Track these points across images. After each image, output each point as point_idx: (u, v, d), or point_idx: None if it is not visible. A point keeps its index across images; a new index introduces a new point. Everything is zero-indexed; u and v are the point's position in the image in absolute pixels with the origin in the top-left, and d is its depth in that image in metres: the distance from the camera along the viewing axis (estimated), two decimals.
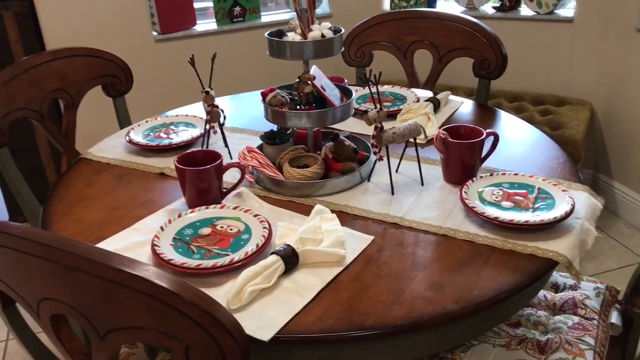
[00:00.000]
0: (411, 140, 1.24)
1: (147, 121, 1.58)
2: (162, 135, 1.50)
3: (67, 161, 1.68)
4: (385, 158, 1.20)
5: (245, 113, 1.68)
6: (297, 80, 1.21)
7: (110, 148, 1.49)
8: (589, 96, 2.60)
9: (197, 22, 2.73)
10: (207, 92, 1.30)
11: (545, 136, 1.47)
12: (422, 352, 0.95)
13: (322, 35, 1.17)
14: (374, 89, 1.23)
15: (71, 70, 1.67)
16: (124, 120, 1.82)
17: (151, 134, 1.51)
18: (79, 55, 1.69)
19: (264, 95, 1.27)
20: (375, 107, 1.16)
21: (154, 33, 2.62)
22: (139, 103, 2.24)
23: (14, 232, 0.74)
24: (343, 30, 1.21)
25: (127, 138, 1.47)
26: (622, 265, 2.29)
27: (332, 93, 1.25)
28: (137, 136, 1.49)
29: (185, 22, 2.69)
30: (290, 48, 1.18)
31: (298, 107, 1.24)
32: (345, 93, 1.30)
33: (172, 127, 1.55)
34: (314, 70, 1.23)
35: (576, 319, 1.21)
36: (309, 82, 1.18)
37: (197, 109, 1.71)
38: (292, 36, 1.17)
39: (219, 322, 0.68)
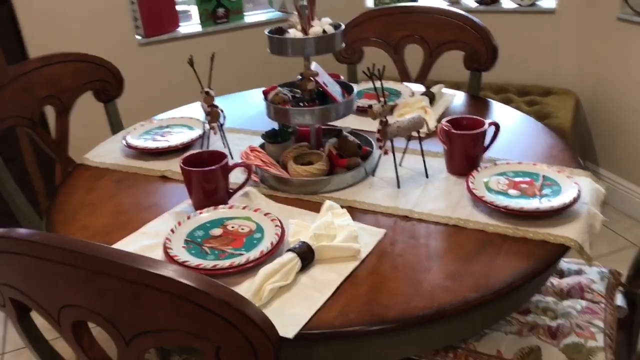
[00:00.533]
0: (414, 133, 1.25)
1: (142, 124, 1.57)
2: (160, 138, 1.49)
3: (61, 169, 1.65)
4: (390, 152, 1.20)
5: (239, 113, 1.67)
6: (300, 77, 1.21)
7: (107, 153, 1.47)
8: (573, 85, 2.63)
9: (179, 24, 2.71)
10: (207, 93, 1.29)
11: (540, 125, 1.49)
12: (442, 341, 0.96)
13: (324, 31, 1.16)
14: (377, 84, 1.23)
15: (62, 76, 1.64)
16: (115, 125, 1.80)
17: (148, 137, 1.49)
18: (69, 60, 1.66)
19: (265, 93, 1.27)
20: (379, 101, 1.16)
21: (138, 37, 2.59)
22: (127, 108, 2.21)
23: (34, 239, 0.73)
24: (343, 26, 1.21)
25: (125, 142, 1.46)
26: (613, 250, 2.33)
27: (334, 89, 1.25)
28: (134, 140, 1.48)
29: (169, 25, 2.67)
30: (292, 45, 1.17)
31: (301, 104, 1.23)
32: (346, 89, 1.30)
33: (169, 129, 1.54)
34: (314, 67, 1.23)
35: (584, 303, 1.23)
36: (312, 78, 1.17)
37: (192, 110, 1.69)
38: (294, 33, 1.17)
39: (251, 319, 0.67)
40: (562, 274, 1.35)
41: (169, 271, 0.68)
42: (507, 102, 2.58)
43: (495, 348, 1.14)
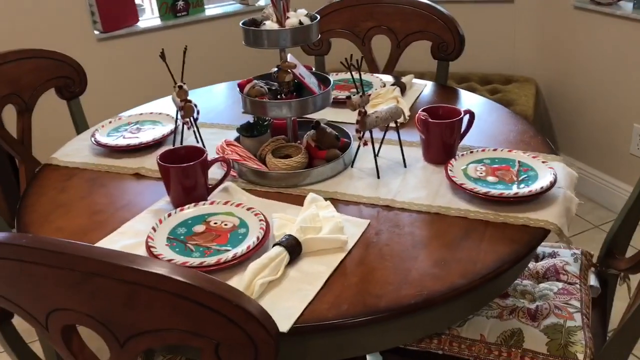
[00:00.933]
0: (392, 124, 1.25)
1: (110, 122, 1.52)
2: (130, 135, 1.45)
3: (26, 169, 1.59)
4: (369, 143, 1.21)
5: (208, 108, 1.64)
6: (277, 69, 1.20)
7: (75, 152, 1.42)
8: (533, 73, 2.70)
9: (139, 18, 2.65)
10: (180, 87, 1.26)
11: (510, 112, 1.52)
12: (432, 328, 0.97)
13: (300, 23, 1.15)
14: (355, 74, 1.23)
15: (21, 74, 1.58)
16: (80, 124, 1.75)
17: (118, 134, 1.45)
18: (27, 57, 1.60)
19: (240, 86, 1.25)
20: (357, 92, 1.16)
21: (96, 32, 2.52)
22: (87, 105, 2.15)
23: (20, 242, 0.70)
24: (319, 17, 1.20)
25: (94, 140, 1.41)
26: (576, 233, 2.41)
27: (311, 81, 1.24)
28: (104, 138, 1.44)
29: (127, 19, 2.60)
30: (267, 37, 1.16)
31: (278, 97, 1.22)
32: (322, 81, 1.29)
33: (138, 125, 1.50)
34: (290, 59, 1.22)
35: (560, 284, 1.26)
36: (290, 70, 1.16)
37: (161, 106, 1.66)
38: (270, 25, 1.16)
39: (252, 315, 0.66)
40: (537, 258, 1.38)
41: (166, 269, 0.66)
42: (470, 91, 2.60)
43: (478, 332, 1.16)
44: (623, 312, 1.10)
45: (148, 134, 1.44)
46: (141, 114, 1.56)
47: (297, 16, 1.17)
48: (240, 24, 1.19)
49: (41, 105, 1.70)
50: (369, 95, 1.55)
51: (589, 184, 2.60)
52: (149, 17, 2.73)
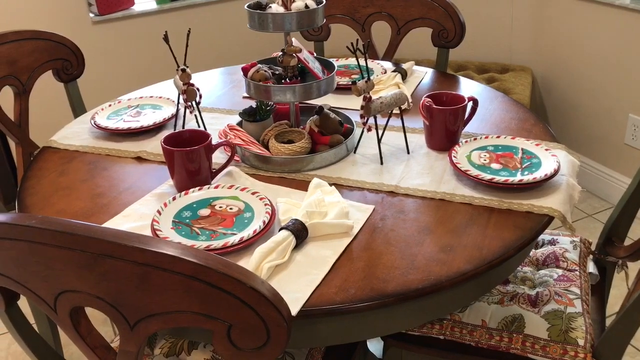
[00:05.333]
0: (395, 110, 1.25)
1: (110, 105, 1.51)
2: (130, 118, 1.44)
3: (23, 152, 1.58)
4: (373, 129, 1.20)
5: (207, 93, 1.63)
6: (282, 53, 1.19)
7: (74, 135, 1.41)
8: (529, 62, 2.70)
9: (134, 1, 2.62)
10: (183, 70, 1.25)
11: (511, 99, 1.52)
12: (436, 313, 0.98)
13: (306, 6, 1.15)
14: (362, 60, 1.22)
15: (20, 55, 1.56)
16: (77, 107, 1.73)
17: (118, 118, 1.44)
18: (26, 38, 1.58)
19: (244, 70, 1.24)
20: (363, 77, 1.16)
21: (91, 15, 2.49)
22: (84, 88, 2.13)
23: (29, 223, 0.70)
24: (325, 1, 1.19)
25: (93, 123, 1.40)
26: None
27: (315, 66, 1.23)
28: (103, 121, 1.42)
29: (123, 2, 2.57)
30: (273, 20, 1.15)
31: (282, 81, 1.21)
32: (326, 66, 1.29)
33: (139, 109, 1.49)
34: (295, 43, 1.21)
35: (560, 271, 1.27)
36: (295, 55, 1.16)
37: (161, 89, 1.64)
38: (276, 8, 1.15)
39: (265, 297, 0.66)
40: (536, 245, 1.39)
41: (179, 251, 0.66)
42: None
43: (479, 318, 1.17)
44: (617, 299, 1.11)
45: (149, 118, 1.43)
46: (141, 97, 1.55)
47: (303, 0, 1.16)
48: (245, 7, 1.18)
49: (36, 88, 1.68)
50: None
51: (583, 173, 2.62)
52: (145, 0, 2.70)
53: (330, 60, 1.31)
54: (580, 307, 1.18)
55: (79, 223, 0.68)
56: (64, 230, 0.68)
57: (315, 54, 1.55)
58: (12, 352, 1.89)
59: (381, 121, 1.35)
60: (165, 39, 1.23)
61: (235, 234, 0.97)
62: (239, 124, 1.33)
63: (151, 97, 1.54)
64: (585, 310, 1.18)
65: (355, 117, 1.34)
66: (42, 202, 1.14)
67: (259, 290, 0.66)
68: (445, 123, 1.23)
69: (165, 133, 1.23)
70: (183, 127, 1.39)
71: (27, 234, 0.70)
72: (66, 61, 1.67)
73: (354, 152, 1.26)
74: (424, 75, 1.69)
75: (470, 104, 1.27)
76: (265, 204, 1.04)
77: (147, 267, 0.66)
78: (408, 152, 1.26)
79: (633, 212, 1.31)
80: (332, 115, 1.25)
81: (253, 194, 1.07)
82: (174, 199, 1.06)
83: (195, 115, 1.38)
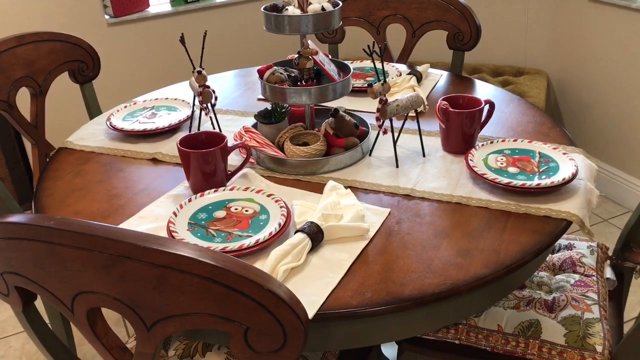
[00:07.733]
0: (411, 113, 1.24)
1: (125, 106, 1.52)
2: (145, 120, 1.44)
3: (39, 153, 1.59)
4: (389, 131, 1.20)
5: (222, 95, 1.63)
6: (298, 55, 1.19)
7: (90, 136, 1.42)
8: (543, 66, 2.68)
9: (149, 4, 2.63)
10: (199, 72, 1.25)
11: (527, 103, 1.51)
12: (453, 318, 0.97)
13: (322, 9, 1.14)
14: (378, 62, 1.22)
15: (37, 57, 1.57)
16: (93, 108, 1.74)
17: (133, 119, 1.45)
18: (44, 40, 1.59)
19: (260, 72, 1.24)
20: (379, 80, 1.15)
21: (107, 16, 2.50)
22: (100, 90, 2.14)
23: (48, 224, 0.70)
24: (341, 4, 1.19)
25: (109, 124, 1.41)
26: None
27: (330, 68, 1.23)
28: (119, 122, 1.43)
29: (138, 4, 2.58)
30: (289, 22, 1.15)
31: (298, 83, 1.21)
32: (342, 68, 1.28)
33: (154, 111, 1.49)
34: (311, 45, 1.21)
35: (577, 276, 1.26)
36: (311, 57, 1.15)
37: (176, 91, 1.65)
38: (292, 10, 1.14)
39: (283, 300, 0.66)
40: (553, 250, 1.38)
41: (197, 253, 0.66)
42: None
43: (495, 323, 1.16)
44: (635, 305, 1.09)
45: (164, 119, 1.43)
46: (156, 99, 1.55)
47: (319, 2, 1.15)
48: (262, 9, 1.18)
49: (52, 89, 1.69)
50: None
51: (599, 178, 2.60)
52: (160, 2, 2.71)
53: (346, 62, 1.31)
54: (597, 313, 1.16)
55: (97, 224, 0.68)
56: (83, 232, 0.68)
57: (330, 57, 1.55)
58: (27, 352, 1.90)
59: (397, 124, 1.35)
60: (182, 40, 1.24)
61: (251, 236, 0.97)
62: (254, 126, 1.33)
63: (166, 98, 1.55)
64: (603, 316, 1.16)
65: (370, 120, 1.34)
66: (58, 203, 1.15)
67: (276, 293, 0.66)
68: (461, 126, 1.22)
69: (181, 135, 1.23)
70: (198, 129, 1.39)
71: (46, 234, 0.70)
72: (82, 63, 1.68)
73: (370, 155, 1.26)
74: (439, 77, 1.68)
75: (486, 107, 1.26)
76: (281, 207, 1.04)
77: (165, 268, 0.66)
78: (424, 155, 1.25)
79: None
80: (348, 117, 1.25)
81: (269, 196, 1.07)
82: (189, 200, 1.07)
83: (211, 117, 1.39)
